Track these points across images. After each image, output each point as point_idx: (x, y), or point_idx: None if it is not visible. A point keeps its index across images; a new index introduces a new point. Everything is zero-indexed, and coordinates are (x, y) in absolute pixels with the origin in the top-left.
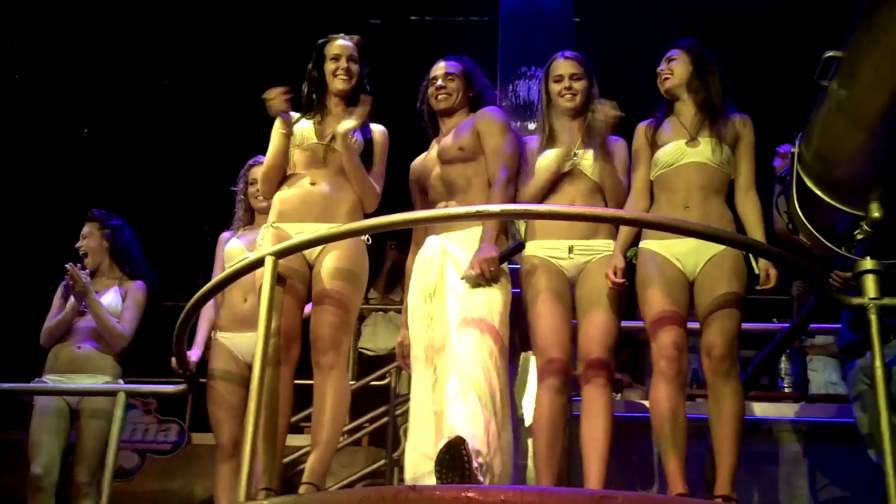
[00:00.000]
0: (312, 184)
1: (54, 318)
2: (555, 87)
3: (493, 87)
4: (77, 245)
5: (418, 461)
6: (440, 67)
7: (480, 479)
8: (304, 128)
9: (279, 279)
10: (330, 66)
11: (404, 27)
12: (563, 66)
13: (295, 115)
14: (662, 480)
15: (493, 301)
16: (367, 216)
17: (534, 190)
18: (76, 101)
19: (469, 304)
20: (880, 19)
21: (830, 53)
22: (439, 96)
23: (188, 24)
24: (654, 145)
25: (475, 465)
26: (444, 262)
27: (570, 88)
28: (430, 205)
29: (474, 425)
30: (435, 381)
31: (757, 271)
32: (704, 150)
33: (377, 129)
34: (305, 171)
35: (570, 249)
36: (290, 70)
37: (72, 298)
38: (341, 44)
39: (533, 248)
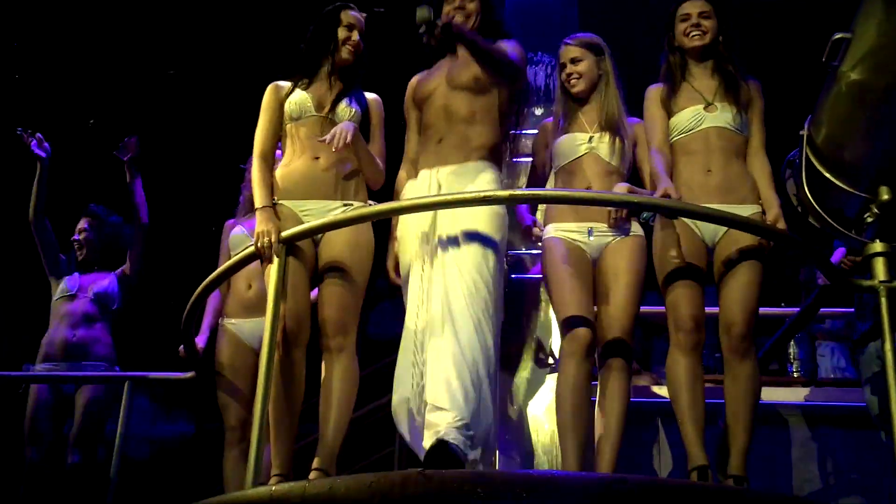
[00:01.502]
0: (315, 158)
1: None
2: (561, 74)
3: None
4: (74, 238)
5: (397, 404)
6: None
7: (471, 455)
8: (300, 99)
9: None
10: (342, 34)
11: (407, 11)
12: (564, 52)
13: (286, 84)
14: (673, 465)
15: (487, 252)
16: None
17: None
18: (81, 92)
19: (463, 253)
20: (885, 6)
21: (839, 35)
22: (456, 17)
23: (194, 14)
24: (668, 109)
25: (462, 440)
26: (438, 192)
27: (570, 74)
28: (424, 130)
29: (461, 395)
30: (424, 326)
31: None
32: (724, 115)
33: (372, 98)
34: (308, 146)
35: (590, 233)
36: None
37: None
38: (356, 15)
39: (551, 231)
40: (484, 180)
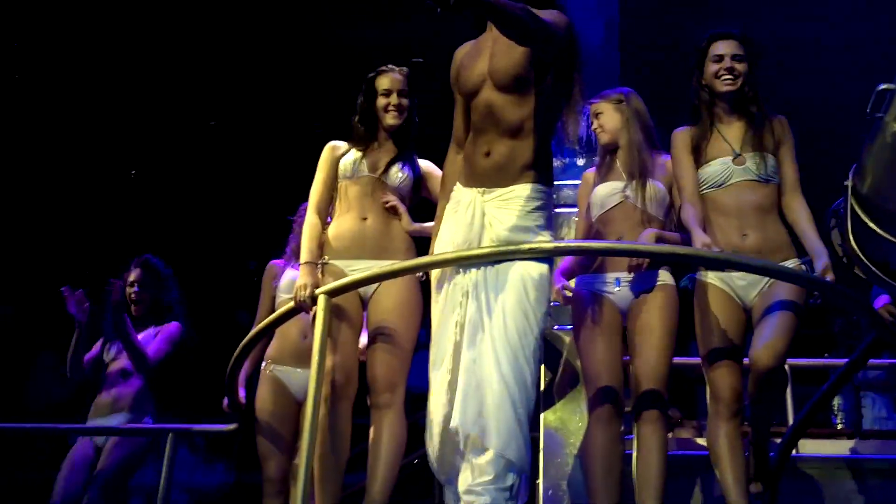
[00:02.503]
0: (364, 219)
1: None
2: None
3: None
4: (131, 291)
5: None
6: None
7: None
8: (354, 158)
9: (335, 314)
10: (381, 102)
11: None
12: (594, 108)
13: (343, 144)
14: None
15: (528, 277)
16: None
17: None
18: (122, 143)
19: (505, 281)
20: None
21: (884, 87)
22: None
23: (231, 64)
24: (697, 155)
25: (503, 496)
26: (482, 230)
27: (595, 129)
28: (474, 136)
29: (506, 440)
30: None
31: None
32: (752, 166)
33: (425, 166)
34: (356, 206)
35: (617, 282)
36: (334, 109)
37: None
38: (392, 77)
39: (579, 284)
40: (533, 217)
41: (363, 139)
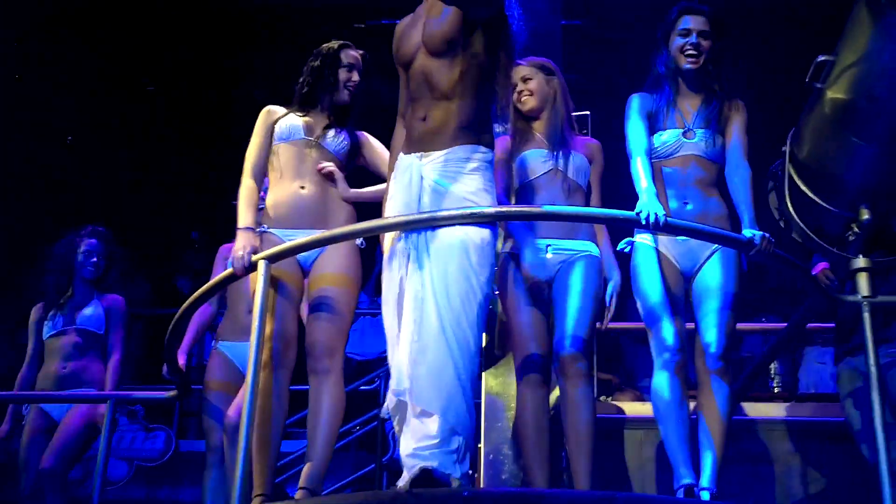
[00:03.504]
0: (301, 187)
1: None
2: (514, 95)
3: None
4: (91, 259)
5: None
6: None
7: (463, 470)
8: (290, 121)
9: (273, 283)
10: (343, 75)
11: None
12: (517, 70)
13: (280, 109)
14: (658, 483)
15: (470, 242)
16: None
17: None
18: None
19: (447, 246)
20: (866, 29)
21: (823, 58)
22: None
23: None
24: (650, 122)
25: (450, 459)
26: (420, 192)
27: (521, 92)
28: (412, 104)
29: (449, 404)
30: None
31: (745, 268)
32: (702, 143)
33: (368, 138)
34: (292, 172)
35: (547, 248)
36: (278, 75)
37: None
38: (356, 55)
39: (508, 247)
40: (472, 179)
41: (307, 104)
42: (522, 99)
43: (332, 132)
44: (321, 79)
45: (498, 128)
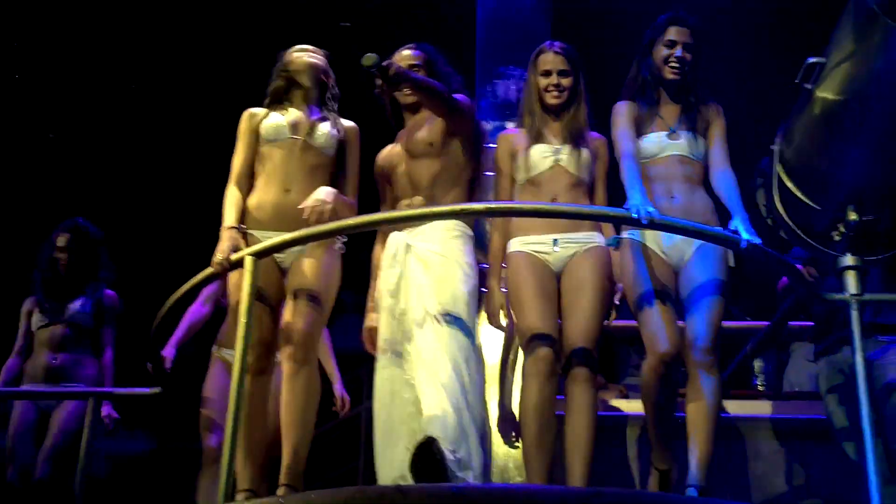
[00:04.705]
0: (287, 190)
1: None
2: (542, 82)
3: (457, 72)
4: (57, 255)
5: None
6: (404, 57)
7: (460, 475)
8: (276, 121)
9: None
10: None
11: (379, 27)
12: (553, 60)
13: (261, 110)
14: (642, 481)
15: (458, 293)
16: None
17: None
18: (42, 104)
19: (433, 298)
20: (854, 31)
21: (814, 60)
22: (405, 91)
23: (158, 29)
24: (636, 126)
25: (451, 459)
26: (407, 258)
27: (557, 85)
28: (394, 201)
29: (444, 420)
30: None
31: (732, 263)
32: (685, 143)
33: (349, 127)
34: (280, 174)
35: (555, 242)
36: (262, 72)
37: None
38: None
39: (516, 244)
40: (450, 235)
41: (281, 100)
42: (555, 93)
43: (319, 127)
44: (284, 75)
45: (508, 125)
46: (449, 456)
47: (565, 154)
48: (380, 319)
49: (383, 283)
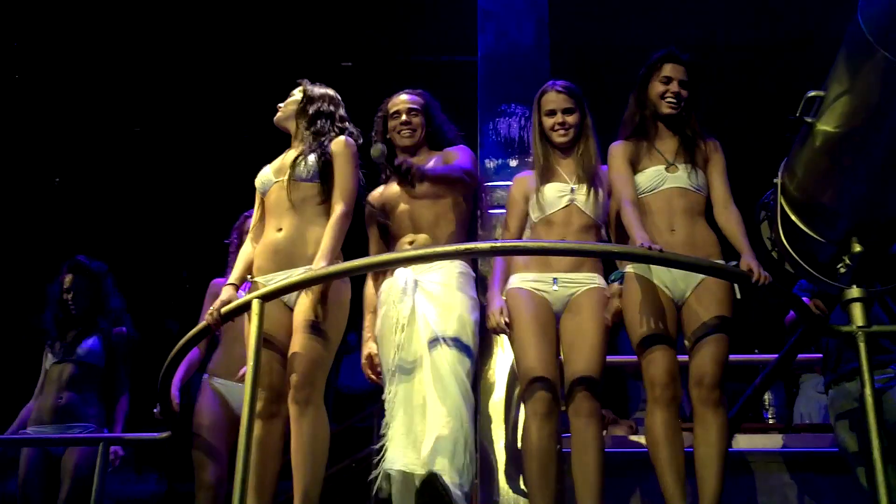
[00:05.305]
0: (279, 230)
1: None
2: (547, 122)
3: (450, 122)
4: (64, 296)
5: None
6: (402, 102)
7: None
8: (261, 174)
9: (264, 340)
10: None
11: (382, 68)
12: (556, 99)
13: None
14: None
15: (466, 320)
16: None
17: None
18: (47, 149)
19: (442, 324)
20: (852, 64)
21: (813, 94)
22: (403, 132)
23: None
24: (632, 166)
25: (457, 494)
26: (416, 294)
27: (563, 123)
28: (392, 239)
29: (451, 447)
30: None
31: (739, 295)
32: (684, 176)
33: (334, 142)
34: (273, 215)
35: (555, 281)
36: (265, 114)
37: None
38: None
39: (516, 281)
40: (455, 272)
41: (290, 145)
42: (561, 131)
43: (302, 162)
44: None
45: (512, 162)
46: (455, 491)
47: (580, 194)
48: (383, 351)
49: (392, 317)
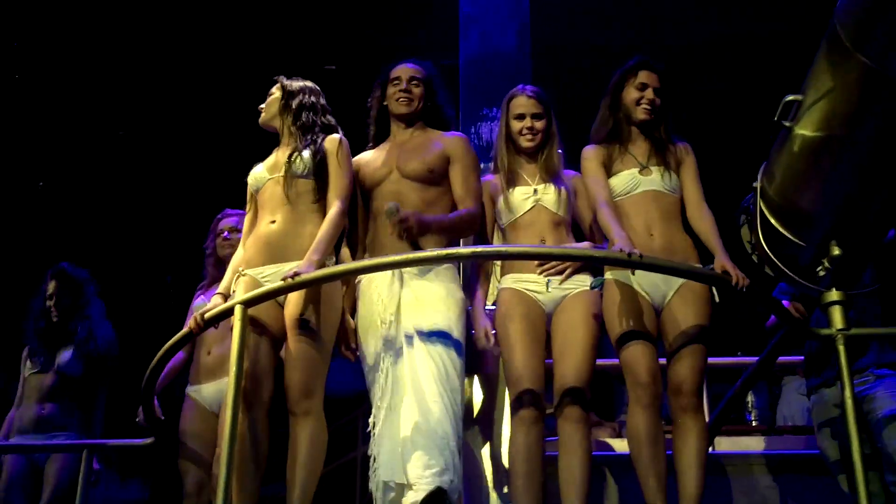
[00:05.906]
0: (272, 222)
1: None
2: (516, 125)
3: (453, 107)
4: (47, 304)
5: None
6: (405, 69)
7: None
8: (255, 171)
9: (252, 322)
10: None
11: (364, 72)
12: (526, 104)
13: (256, 166)
14: None
15: (452, 315)
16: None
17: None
18: (30, 153)
19: (427, 318)
20: (829, 69)
21: (791, 97)
22: (401, 99)
23: (143, 75)
24: (606, 170)
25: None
26: (402, 290)
27: (531, 128)
28: (370, 216)
29: (440, 442)
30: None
31: (717, 299)
32: (658, 179)
33: (327, 140)
34: (267, 208)
35: (548, 284)
36: (248, 117)
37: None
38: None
39: (508, 282)
40: (443, 273)
41: (279, 143)
42: (529, 136)
43: (297, 159)
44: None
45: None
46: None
47: (546, 194)
48: (364, 345)
49: (375, 311)
